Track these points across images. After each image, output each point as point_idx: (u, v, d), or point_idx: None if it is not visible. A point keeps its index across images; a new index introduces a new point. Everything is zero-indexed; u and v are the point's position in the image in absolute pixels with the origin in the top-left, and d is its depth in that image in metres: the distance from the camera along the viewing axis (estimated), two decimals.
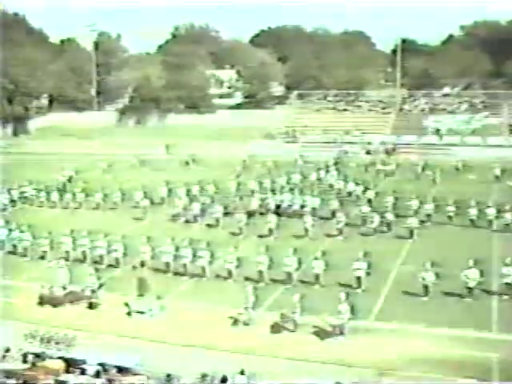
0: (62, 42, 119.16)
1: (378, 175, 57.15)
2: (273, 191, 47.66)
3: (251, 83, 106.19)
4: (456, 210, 41.31)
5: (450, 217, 41.20)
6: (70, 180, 56.63)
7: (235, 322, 26.79)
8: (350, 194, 48.29)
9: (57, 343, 22.69)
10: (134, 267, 33.25)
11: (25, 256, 36.40)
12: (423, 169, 57.08)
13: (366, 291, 29.64)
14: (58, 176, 56.18)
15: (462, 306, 27.93)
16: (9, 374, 20.73)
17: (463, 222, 40.50)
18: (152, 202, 46.78)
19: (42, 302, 29.33)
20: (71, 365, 21.40)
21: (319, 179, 53.90)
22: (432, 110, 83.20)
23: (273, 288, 30.52)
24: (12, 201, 49.77)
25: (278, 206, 43.88)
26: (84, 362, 21.26)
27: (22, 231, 37.38)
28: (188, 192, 47.98)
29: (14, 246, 37.24)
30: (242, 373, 20.42)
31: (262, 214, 43.22)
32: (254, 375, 20.69)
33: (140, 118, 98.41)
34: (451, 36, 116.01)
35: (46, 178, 55.29)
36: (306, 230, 39.25)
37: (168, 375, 20.50)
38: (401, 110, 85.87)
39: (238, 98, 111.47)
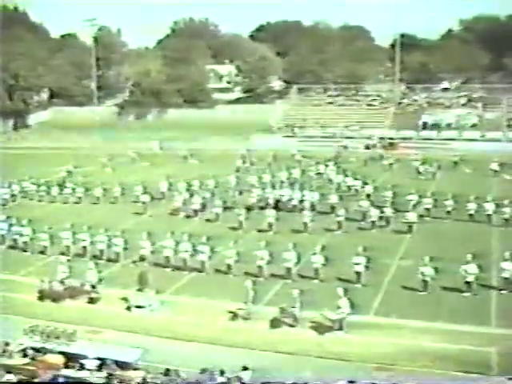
0: (63, 36, 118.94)
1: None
2: (272, 186, 47.69)
3: (250, 78, 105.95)
4: (455, 204, 41.33)
5: (448, 211, 41.19)
6: (69, 175, 56.72)
7: (235, 316, 26.87)
8: (349, 188, 48.38)
9: (57, 338, 22.72)
10: (135, 262, 33.31)
11: (25, 251, 36.49)
12: (422, 163, 57.08)
13: (365, 286, 29.72)
14: (59, 170, 56.39)
15: (461, 300, 27.99)
16: (9, 368, 20.76)
17: (462, 217, 40.54)
18: (152, 197, 46.84)
19: (41, 296, 29.41)
20: (71, 360, 21.46)
21: (318, 174, 54.02)
22: (431, 104, 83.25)
23: (272, 283, 30.59)
24: (12, 195, 49.86)
25: (277, 201, 43.93)
26: (84, 357, 21.29)
27: (22, 226, 37.46)
28: (188, 187, 48.02)
29: (15, 241, 37.32)
30: (245, 369, 20.43)
31: (261, 208, 43.29)
32: (253, 370, 20.73)
33: (140, 113, 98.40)
34: (450, 31, 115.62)
35: (45, 173, 55.39)
36: (306, 225, 39.31)
37: (167, 369, 20.56)
38: (400, 104, 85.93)
39: (238, 92, 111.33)
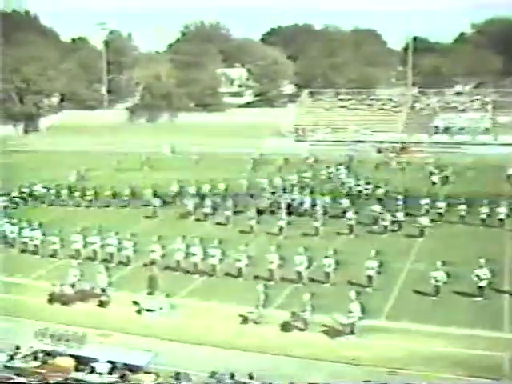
0: (73, 40, 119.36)
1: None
2: (284, 189, 47.60)
3: (261, 81, 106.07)
4: (467, 208, 41.11)
5: (461, 216, 40.97)
6: (80, 178, 56.79)
7: (245, 320, 26.77)
8: (360, 192, 48.18)
9: (67, 341, 22.64)
10: (145, 265, 33.23)
11: (35, 254, 36.48)
12: (434, 167, 56.75)
13: (376, 290, 29.55)
14: (69, 173, 56.54)
15: (473, 305, 27.81)
16: (19, 371, 20.77)
17: (474, 221, 40.32)
18: (163, 201, 46.79)
19: (52, 299, 29.39)
20: (81, 363, 21.42)
21: (330, 178, 53.88)
22: (443, 108, 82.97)
23: (283, 286, 30.48)
24: (23, 199, 49.89)
25: (288, 205, 43.76)
26: (94, 360, 21.26)
27: (33, 229, 37.47)
28: (199, 190, 47.94)
29: (25, 244, 37.31)
30: (250, 377, 20.30)
31: (272, 212, 43.18)
32: (263, 374, 20.62)
33: (150, 117, 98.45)
34: (463, 34, 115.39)
35: (56, 176, 55.49)
36: (317, 229, 39.14)
37: (177, 373, 20.50)
38: (412, 108, 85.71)
39: (249, 96, 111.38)
